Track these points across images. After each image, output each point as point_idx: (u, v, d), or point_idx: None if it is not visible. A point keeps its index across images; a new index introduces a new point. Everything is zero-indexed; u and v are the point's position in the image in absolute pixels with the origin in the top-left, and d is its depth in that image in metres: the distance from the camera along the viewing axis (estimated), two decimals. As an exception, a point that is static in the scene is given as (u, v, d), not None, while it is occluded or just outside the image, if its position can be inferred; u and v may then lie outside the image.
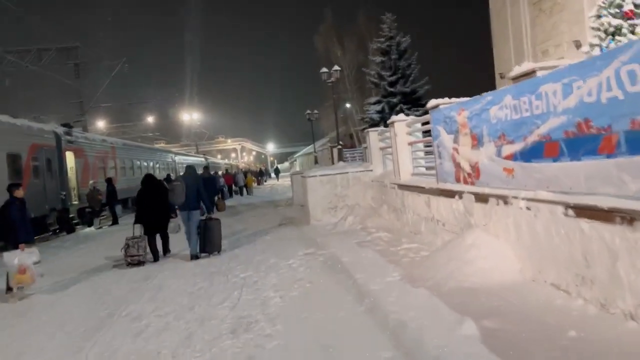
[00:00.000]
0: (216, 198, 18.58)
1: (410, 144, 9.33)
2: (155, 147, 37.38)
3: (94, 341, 5.16)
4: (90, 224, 19.17)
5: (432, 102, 7.08)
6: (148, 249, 9.41)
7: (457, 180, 6.48)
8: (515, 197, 4.94)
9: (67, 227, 18.68)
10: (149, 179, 9.98)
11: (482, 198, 5.71)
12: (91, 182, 19.68)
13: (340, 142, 13.11)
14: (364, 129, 39.27)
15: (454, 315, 4.13)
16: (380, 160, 11.70)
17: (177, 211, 9.56)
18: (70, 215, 18.92)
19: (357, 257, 7.26)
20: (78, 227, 18.96)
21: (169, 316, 5.74)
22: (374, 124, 37.11)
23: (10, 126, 15.09)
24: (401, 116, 9.64)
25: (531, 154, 4.62)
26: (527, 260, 4.93)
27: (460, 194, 6.35)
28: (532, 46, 17.00)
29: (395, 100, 35.77)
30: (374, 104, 37.27)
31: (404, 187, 9.19)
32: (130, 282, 7.90)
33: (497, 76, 19.26)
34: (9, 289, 7.43)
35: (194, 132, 73.32)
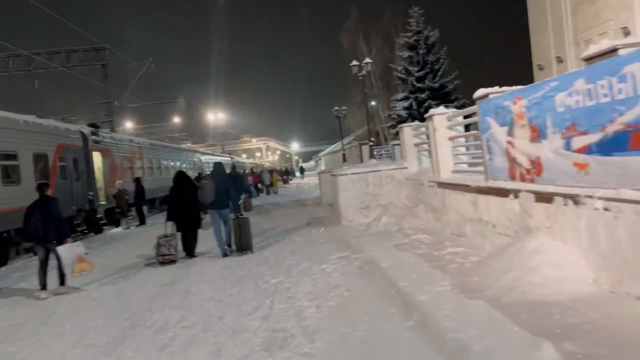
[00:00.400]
0: (243, 197, 18.35)
1: (451, 138, 8.67)
2: (182, 147, 37.41)
3: (115, 356, 4.72)
4: (117, 225, 19.02)
5: (480, 92, 6.43)
6: (180, 247, 9.37)
7: (512, 178, 5.82)
8: (590, 197, 4.28)
9: (95, 227, 18.58)
10: (181, 176, 9.95)
11: (544, 197, 5.05)
12: (119, 182, 19.49)
13: (372, 139, 12.45)
14: (391, 126, 38.62)
15: (525, 336, 3.51)
16: (415, 157, 11.06)
17: (205, 208, 9.56)
18: (98, 216, 18.80)
19: (397, 261, 6.67)
20: (105, 227, 18.82)
21: (197, 327, 5.27)
22: (402, 121, 36.23)
23: (37, 126, 14.95)
24: (441, 109, 9.00)
25: (612, 146, 3.96)
26: (604, 269, 4.27)
27: (515, 192, 5.69)
28: (573, 35, 16.06)
29: (423, 95, 34.90)
30: (401, 100, 36.46)
31: (444, 185, 8.53)
32: (156, 287, 7.49)
33: (535, 68, 18.34)
34: (62, 283, 7.65)
35: (219, 132, 73.57)
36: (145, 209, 21.24)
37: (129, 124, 58.98)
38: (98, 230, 18.38)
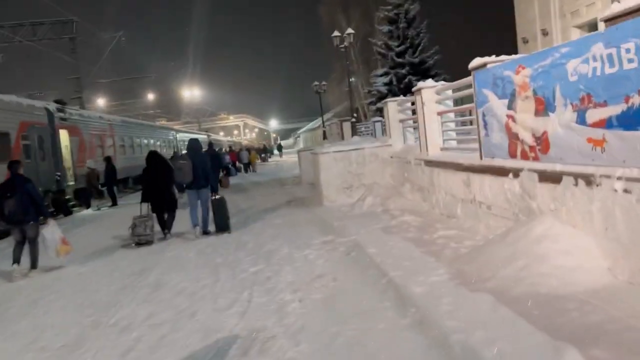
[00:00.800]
0: (221, 175, 17.99)
1: (440, 113, 8.14)
2: (156, 125, 36.17)
3: (70, 363, 4.14)
4: (88, 206, 18.17)
5: (476, 61, 5.87)
6: (157, 227, 9.22)
7: (512, 156, 5.33)
8: (607, 177, 3.81)
9: (64, 209, 17.73)
10: (153, 157, 9.67)
11: (550, 177, 4.58)
12: (88, 161, 18.54)
13: (355, 115, 11.81)
14: (371, 102, 38.05)
15: (543, 338, 3.04)
16: (399, 134, 10.54)
17: (183, 189, 9.43)
18: (67, 197, 17.92)
19: (386, 247, 6.17)
20: (75, 209, 17.96)
21: (165, 326, 4.70)
22: (382, 97, 35.63)
23: (-5, 102, 13.96)
24: (429, 82, 8.43)
25: (637, 119, 3.46)
26: (621, 257, 3.82)
27: (516, 171, 5.21)
28: (559, 7, 15.58)
29: (403, 71, 34.27)
30: (381, 75, 35.80)
31: (433, 163, 8.04)
32: (124, 276, 6.88)
33: (519, 41, 17.87)
34: (33, 266, 7.54)
35: (195, 108, 72.05)
36: (116, 189, 20.42)
37: (100, 101, 57.28)
38: (67, 212, 17.54)
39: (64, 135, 18.24)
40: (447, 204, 7.48)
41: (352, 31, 24.09)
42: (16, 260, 7.38)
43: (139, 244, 8.80)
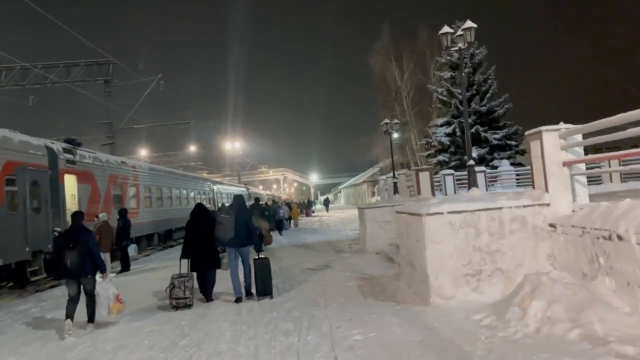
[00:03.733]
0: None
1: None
2: (190, 174, 32.95)
3: None
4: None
5: None
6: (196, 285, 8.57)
7: None
8: None
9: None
10: (200, 209, 9.19)
11: None
12: (101, 214, 14.82)
13: (474, 158, 8.05)
14: (429, 155, 33.92)
15: None
16: (564, 186, 6.25)
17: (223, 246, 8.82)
18: (69, 259, 14.16)
19: None
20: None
21: None
22: (443, 149, 31.66)
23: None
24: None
25: None
26: None
27: None
28: None
29: (469, 120, 30.10)
30: (442, 125, 31.83)
31: None
32: None
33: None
34: (90, 319, 7.25)
35: (236, 161, 70.44)
36: (132, 248, 16.65)
37: (143, 152, 55.95)
38: (66, 278, 13.83)
39: (70, 182, 14.79)
40: None
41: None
42: (69, 315, 7.00)
43: (176, 307, 8.08)
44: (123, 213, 14.55)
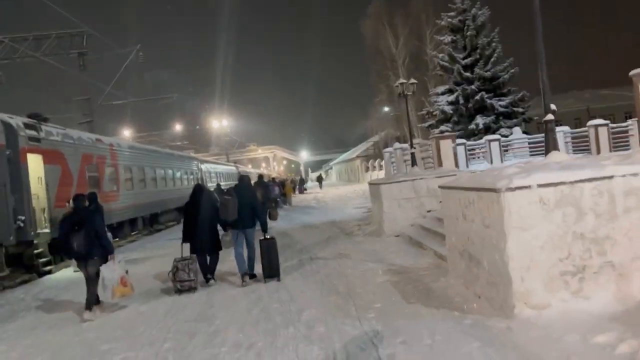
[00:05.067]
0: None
1: None
2: (176, 153, 30.80)
3: None
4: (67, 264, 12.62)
5: None
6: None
7: None
8: None
9: (30, 268, 12.21)
10: (199, 191, 8.90)
11: None
12: (71, 200, 12.73)
13: (553, 109, 6.53)
14: (430, 125, 32.00)
15: None
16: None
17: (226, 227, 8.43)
18: (37, 251, 12.29)
19: None
20: (49, 268, 12.36)
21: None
22: (446, 119, 29.76)
23: None
24: None
25: None
26: None
27: None
28: None
29: (472, 87, 28.21)
30: (444, 94, 29.86)
31: None
32: None
33: None
34: (97, 302, 7.25)
35: (224, 139, 68.40)
36: (109, 236, 14.68)
37: (126, 132, 53.74)
38: (38, 272, 12.01)
39: (35, 163, 12.72)
40: None
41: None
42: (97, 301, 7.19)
43: (180, 291, 7.87)
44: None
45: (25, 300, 9.02)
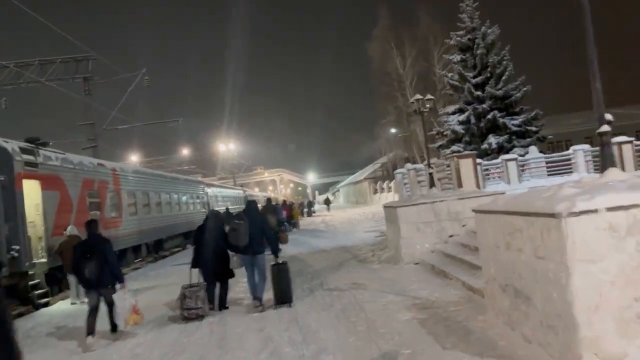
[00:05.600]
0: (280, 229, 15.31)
1: None
2: (181, 177, 30.22)
3: None
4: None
5: None
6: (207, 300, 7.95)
7: None
8: None
9: (24, 301, 11.53)
10: (213, 217, 8.71)
11: None
12: (69, 227, 12.02)
13: (609, 119, 5.82)
14: (440, 146, 31.29)
15: None
16: None
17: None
18: (33, 282, 11.59)
19: None
20: (45, 301, 11.63)
21: None
22: (457, 139, 29.05)
23: None
24: None
25: None
26: None
27: None
28: None
29: (484, 106, 27.55)
30: (454, 113, 29.21)
31: None
32: None
33: None
34: (113, 329, 7.21)
35: (230, 163, 68.39)
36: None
37: (134, 157, 53.68)
38: (34, 305, 11.33)
39: (32, 189, 12.11)
40: None
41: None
42: (91, 331, 6.83)
43: (187, 318, 7.59)
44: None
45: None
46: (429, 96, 16.04)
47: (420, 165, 16.08)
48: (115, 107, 29.90)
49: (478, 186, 11.00)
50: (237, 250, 8.25)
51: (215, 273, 8.23)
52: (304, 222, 34.07)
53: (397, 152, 45.38)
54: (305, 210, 43.26)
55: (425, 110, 15.56)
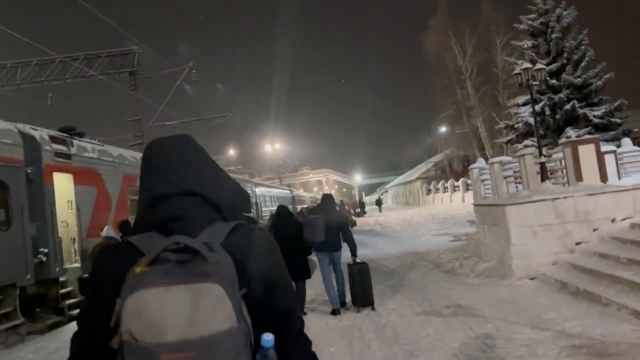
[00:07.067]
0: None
1: None
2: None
3: None
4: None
5: None
6: None
7: None
8: None
9: (56, 311, 10.05)
10: (282, 212, 8.19)
11: None
12: (105, 228, 10.40)
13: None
14: (510, 140, 28.46)
15: None
16: None
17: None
18: (65, 290, 10.11)
19: None
20: (77, 312, 10.00)
21: None
22: (529, 132, 26.19)
23: None
24: None
25: None
26: None
27: None
28: None
29: (561, 95, 24.61)
30: (526, 104, 26.35)
31: None
32: None
33: None
34: None
35: (276, 163, 67.60)
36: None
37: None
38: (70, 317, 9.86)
39: (63, 183, 10.60)
40: None
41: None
42: None
43: None
44: (125, 226, 9.77)
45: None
46: (539, 65, 13.56)
47: (507, 158, 13.64)
48: (163, 101, 28.88)
49: (603, 179, 8.74)
50: (312, 246, 7.75)
51: (290, 273, 6.51)
52: (357, 222, 32.07)
53: (453, 150, 42.61)
54: (358, 210, 41.22)
55: (535, 83, 13.23)
